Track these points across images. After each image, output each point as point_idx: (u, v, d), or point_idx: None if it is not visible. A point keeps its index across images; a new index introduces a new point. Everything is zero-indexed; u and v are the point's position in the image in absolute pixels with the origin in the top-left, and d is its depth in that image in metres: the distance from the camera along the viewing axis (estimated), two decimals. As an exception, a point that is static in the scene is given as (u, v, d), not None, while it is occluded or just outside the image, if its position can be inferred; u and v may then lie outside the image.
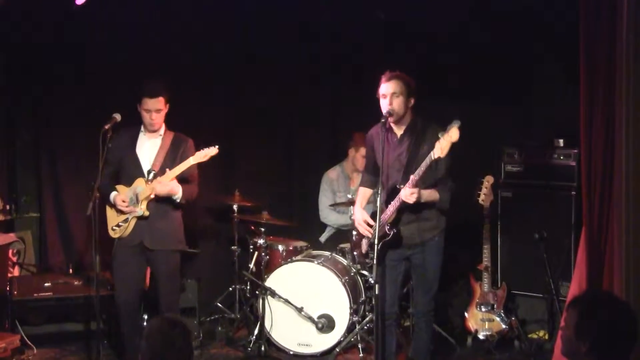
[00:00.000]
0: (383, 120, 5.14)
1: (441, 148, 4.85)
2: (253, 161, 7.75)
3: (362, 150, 7.02)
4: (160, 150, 5.74)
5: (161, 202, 5.68)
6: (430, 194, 5.15)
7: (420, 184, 5.06)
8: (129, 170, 5.70)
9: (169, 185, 5.59)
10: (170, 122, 6.34)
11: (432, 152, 4.90)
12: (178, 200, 5.69)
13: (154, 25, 7.15)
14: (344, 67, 7.66)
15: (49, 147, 7.36)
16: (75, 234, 7.29)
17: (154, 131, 5.74)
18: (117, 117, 5.58)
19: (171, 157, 5.72)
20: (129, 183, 5.69)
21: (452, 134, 4.82)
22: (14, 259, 6.95)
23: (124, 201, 5.61)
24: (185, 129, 6.57)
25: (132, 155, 5.71)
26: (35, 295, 6.55)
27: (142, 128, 5.76)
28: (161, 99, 5.64)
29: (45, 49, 7.12)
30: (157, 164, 5.68)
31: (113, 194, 5.66)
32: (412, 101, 5.26)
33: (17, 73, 7.16)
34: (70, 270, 7.00)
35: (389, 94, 5.18)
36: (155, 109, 5.62)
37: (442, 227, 5.37)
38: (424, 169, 4.96)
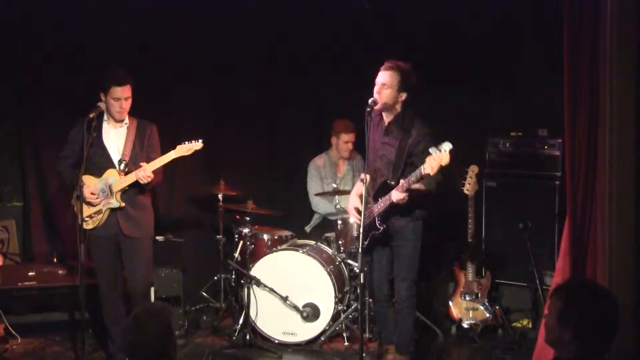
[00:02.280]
0: (368, 109, 5.15)
1: (431, 167, 4.90)
2: (238, 151, 7.73)
3: (343, 137, 7.06)
4: (127, 139, 5.67)
5: (132, 191, 5.65)
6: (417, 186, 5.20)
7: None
8: (96, 161, 5.60)
9: (152, 174, 5.56)
10: (156, 113, 6.34)
11: (422, 167, 4.96)
12: (148, 186, 5.67)
13: (143, 20, 7.14)
14: (327, 56, 7.64)
15: (33, 135, 7.31)
16: (59, 222, 7.24)
17: (120, 120, 5.67)
18: (102, 106, 5.54)
19: (139, 145, 5.68)
20: (97, 174, 5.61)
21: (443, 158, 4.87)
22: (-2, 248, 6.93)
23: (92, 194, 5.55)
24: (170, 120, 6.58)
25: (98, 146, 5.61)
26: (19, 284, 6.53)
27: (106, 117, 5.66)
28: (129, 87, 5.57)
29: (30, 38, 7.08)
30: (127, 154, 5.63)
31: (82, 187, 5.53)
32: (404, 96, 5.28)
33: (0, 62, 7.10)
34: (55, 260, 6.96)
35: (379, 84, 5.22)
36: (125, 97, 5.55)
37: (420, 215, 5.41)
38: (414, 180, 5.04)
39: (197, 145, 5.61)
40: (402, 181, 5.12)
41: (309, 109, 7.99)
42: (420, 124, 5.23)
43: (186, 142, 5.61)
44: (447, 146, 4.87)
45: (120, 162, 5.61)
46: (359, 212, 5.43)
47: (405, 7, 7.16)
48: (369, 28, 7.40)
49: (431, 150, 4.91)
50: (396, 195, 5.13)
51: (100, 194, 5.57)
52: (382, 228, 5.29)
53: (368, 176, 5.23)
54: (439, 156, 4.87)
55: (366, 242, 5.22)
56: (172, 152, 5.60)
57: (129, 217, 5.65)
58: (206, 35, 7.41)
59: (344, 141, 7.11)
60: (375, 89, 5.24)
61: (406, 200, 5.14)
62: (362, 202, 5.23)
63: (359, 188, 5.62)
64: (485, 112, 7.19)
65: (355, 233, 5.69)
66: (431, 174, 4.93)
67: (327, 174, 7.26)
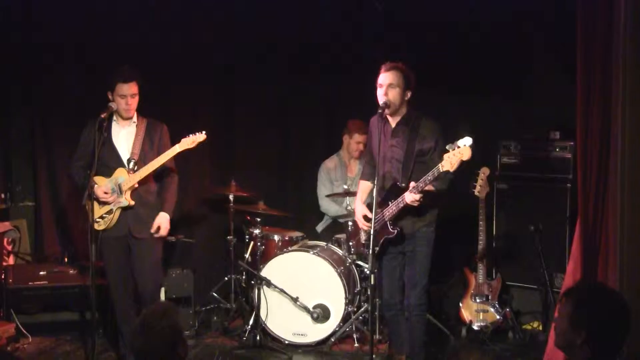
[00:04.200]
0: (380, 111, 5.13)
1: (451, 163, 4.85)
2: (249, 151, 7.74)
3: (356, 137, 7.06)
4: (136, 138, 5.69)
5: (142, 191, 5.67)
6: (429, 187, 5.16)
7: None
8: (106, 161, 5.61)
9: (166, 224, 5.67)
10: (168, 112, 6.35)
11: (440, 164, 4.90)
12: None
13: (151, 17, 7.15)
14: (342, 58, 7.63)
15: (44, 135, 7.33)
16: (70, 222, 7.27)
17: (129, 118, 5.68)
18: (113, 106, 5.56)
19: (148, 144, 5.69)
20: (107, 174, 5.63)
21: (464, 153, 4.82)
22: (9, 247, 6.94)
23: (105, 193, 5.56)
24: (182, 120, 6.57)
25: (108, 146, 5.63)
26: (30, 284, 6.56)
27: (115, 117, 5.69)
28: (135, 84, 5.59)
29: (42, 36, 7.12)
30: (136, 152, 5.65)
31: (94, 187, 5.55)
32: (409, 94, 5.25)
33: (11, 61, 7.13)
34: (66, 259, 6.98)
35: (385, 85, 5.18)
36: (131, 93, 5.57)
37: (432, 220, 5.36)
38: (431, 178, 4.98)
39: (201, 136, 5.61)
40: (412, 183, 5.06)
41: (321, 110, 7.97)
42: (428, 122, 5.19)
43: (190, 135, 5.61)
44: (467, 141, 4.81)
45: (129, 161, 5.62)
46: (367, 219, 5.42)
47: (418, 8, 7.14)
48: (381, 30, 7.38)
49: (448, 147, 4.86)
50: (410, 197, 5.05)
51: (111, 194, 5.59)
52: (396, 232, 5.24)
53: (377, 182, 5.17)
54: (460, 151, 4.81)
55: (377, 247, 5.20)
56: (177, 145, 5.60)
57: (138, 219, 5.67)
58: (223, 38, 7.42)
59: (356, 141, 7.11)
60: (381, 90, 5.20)
61: (420, 201, 5.08)
62: (370, 208, 5.24)
63: (363, 194, 5.64)
64: (496, 114, 7.17)
65: (364, 238, 5.63)
66: (451, 170, 4.87)
67: (337, 176, 7.27)
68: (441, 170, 4.91)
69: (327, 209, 7.31)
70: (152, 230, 5.65)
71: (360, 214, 5.51)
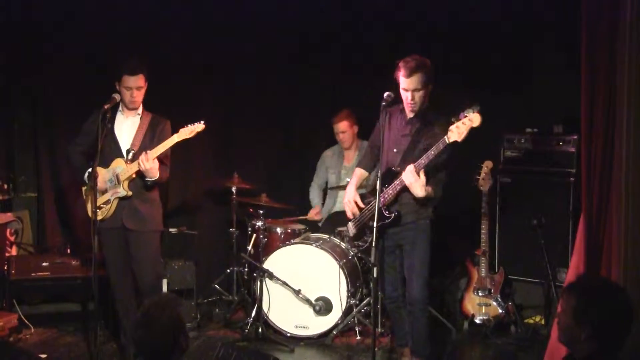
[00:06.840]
0: (384, 103, 5.06)
1: (459, 133, 4.75)
2: (252, 144, 7.73)
3: (335, 127, 7.17)
4: (138, 130, 5.66)
5: (140, 184, 5.62)
6: (429, 191, 5.10)
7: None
8: (106, 151, 5.58)
9: (155, 163, 5.50)
10: (170, 104, 6.33)
11: (446, 136, 4.83)
12: (151, 181, 5.60)
13: (151, 16, 7.16)
14: (345, 49, 7.62)
15: (47, 126, 7.33)
16: (73, 214, 7.26)
17: (133, 109, 5.66)
18: (117, 97, 5.54)
19: (150, 137, 5.65)
20: (105, 164, 5.60)
21: (474, 119, 4.73)
22: (12, 238, 6.94)
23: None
24: (184, 112, 6.56)
25: (110, 135, 5.60)
26: (32, 275, 6.57)
27: (120, 107, 5.67)
28: (142, 76, 5.56)
29: (44, 28, 7.11)
30: (137, 144, 5.61)
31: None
32: (431, 87, 5.19)
33: (15, 52, 7.12)
34: (68, 251, 6.99)
35: (410, 90, 5.10)
36: (137, 86, 5.54)
37: (428, 214, 5.29)
38: (435, 152, 4.90)
39: (199, 126, 5.55)
40: (411, 166, 4.97)
41: (325, 103, 7.95)
42: (443, 121, 5.09)
43: (188, 125, 5.57)
44: (475, 107, 4.70)
45: (128, 151, 5.60)
46: (358, 207, 5.40)
47: (419, 5, 7.13)
48: (387, 24, 7.37)
49: (454, 118, 4.76)
50: (408, 176, 4.97)
51: (109, 184, 5.57)
52: (392, 215, 5.16)
53: (380, 171, 5.12)
54: (469, 118, 4.70)
55: (370, 234, 5.13)
56: (175, 135, 5.55)
57: (133, 211, 5.63)
58: (225, 27, 7.41)
59: (337, 132, 7.14)
60: (407, 95, 5.10)
61: (415, 179, 4.96)
62: (364, 198, 5.25)
63: (357, 180, 5.56)
64: (500, 108, 7.13)
65: (351, 232, 5.58)
66: (459, 140, 4.75)
67: (332, 164, 7.29)
68: (448, 142, 4.79)
69: (312, 198, 7.35)
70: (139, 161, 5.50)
71: (351, 198, 5.43)
